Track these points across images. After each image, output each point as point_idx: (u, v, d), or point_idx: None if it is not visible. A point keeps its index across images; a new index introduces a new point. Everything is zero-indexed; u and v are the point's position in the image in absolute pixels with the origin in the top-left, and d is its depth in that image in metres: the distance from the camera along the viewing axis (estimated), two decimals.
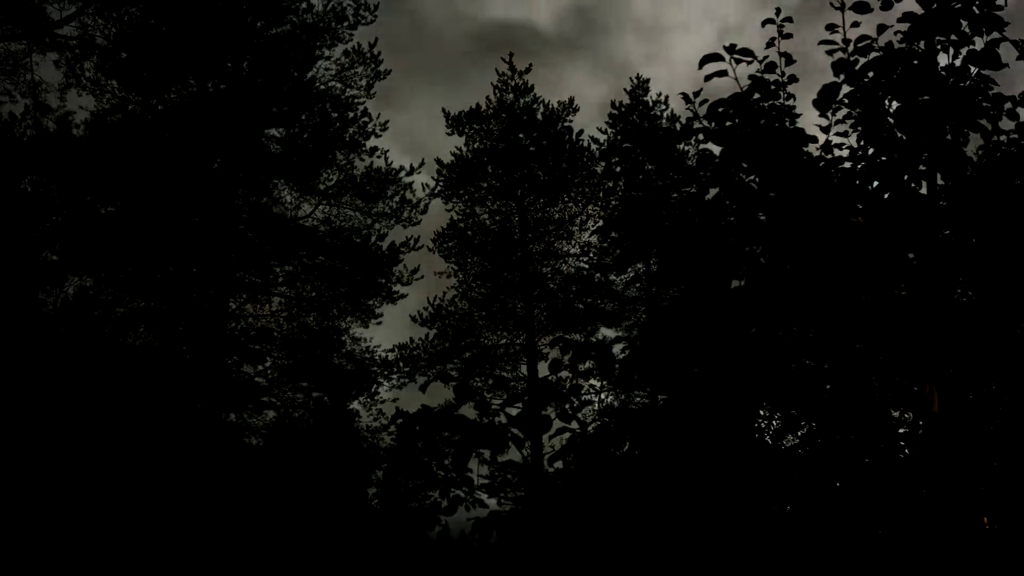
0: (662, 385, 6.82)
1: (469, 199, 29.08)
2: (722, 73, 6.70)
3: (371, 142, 22.80)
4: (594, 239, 28.52)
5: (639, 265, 26.59)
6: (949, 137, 6.35)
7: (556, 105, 29.21)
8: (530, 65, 29.58)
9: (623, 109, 29.40)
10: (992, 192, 6.26)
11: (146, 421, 17.45)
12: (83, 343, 18.12)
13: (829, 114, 6.71)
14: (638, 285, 27.49)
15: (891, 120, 6.42)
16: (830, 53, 6.65)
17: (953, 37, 6.32)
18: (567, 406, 5.96)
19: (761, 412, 6.50)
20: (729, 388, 6.31)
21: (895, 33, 6.52)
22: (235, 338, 21.16)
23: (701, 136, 6.70)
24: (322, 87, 22.30)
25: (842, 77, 6.59)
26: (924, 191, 6.42)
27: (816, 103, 6.69)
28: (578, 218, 28.93)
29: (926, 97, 6.31)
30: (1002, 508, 6.02)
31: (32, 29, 20.15)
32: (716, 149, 6.70)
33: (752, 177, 6.62)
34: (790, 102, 6.74)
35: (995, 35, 6.36)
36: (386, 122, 22.84)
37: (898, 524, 5.94)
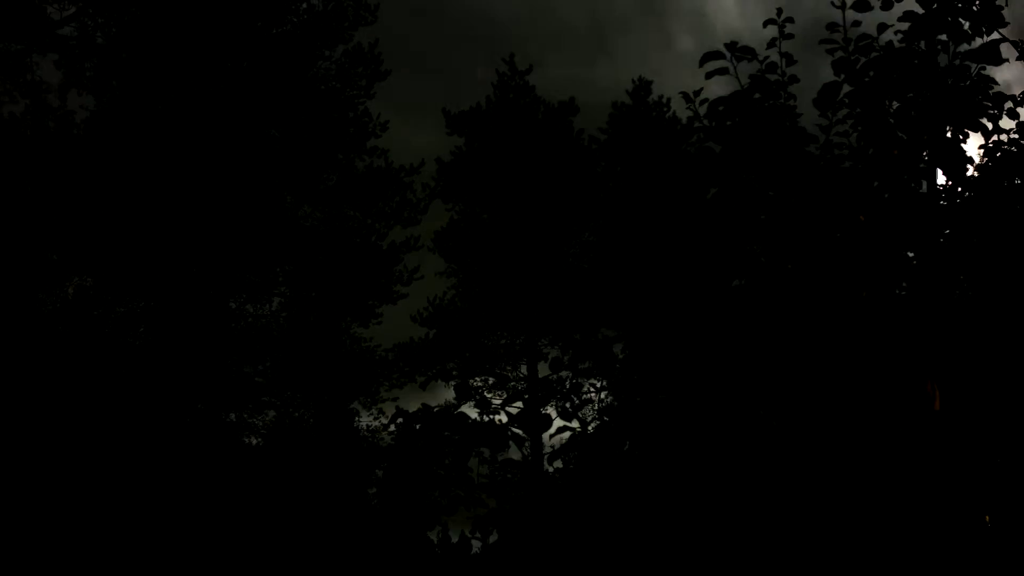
0: (662, 385, 6.83)
1: (469, 199, 29.08)
2: (723, 71, 6.71)
3: (371, 142, 22.81)
4: (594, 239, 28.53)
5: (639, 264, 26.59)
6: (949, 136, 6.36)
7: (556, 105, 29.24)
8: (530, 66, 29.64)
9: (624, 109, 29.40)
10: (992, 191, 6.26)
11: (146, 421, 17.44)
12: (83, 343, 18.11)
13: (829, 114, 6.72)
14: (639, 284, 27.48)
15: (892, 120, 6.42)
16: (831, 52, 6.65)
17: (952, 34, 6.32)
18: (567, 405, 5.96)
19: (761, 412, 6.50)
20: (729, 388, 6.31)
21: (895, 32, 6.52)
22: (235, 338, 21.15)
23: (701, 135, 6.70)
24: (322, 87, 22.28)
25: (843, 76, 6.59)
26: (924, 190, 6.43)
27: (816, 103, 6.70)
28: (578, 218, 28.93)
29: (927, 96, 6.31)
30: (1003, 507, 6.02)
31: (32, 29, 20.14)
32: (716, 148, 6.70)
33: (752, 177, 6.62)
34: (790, 102, 6.74)
35: (995, 35, 6.36)
36: (386, 122, 22.84)
37: (899, 523, 5.94)
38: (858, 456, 6.08)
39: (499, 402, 5.93)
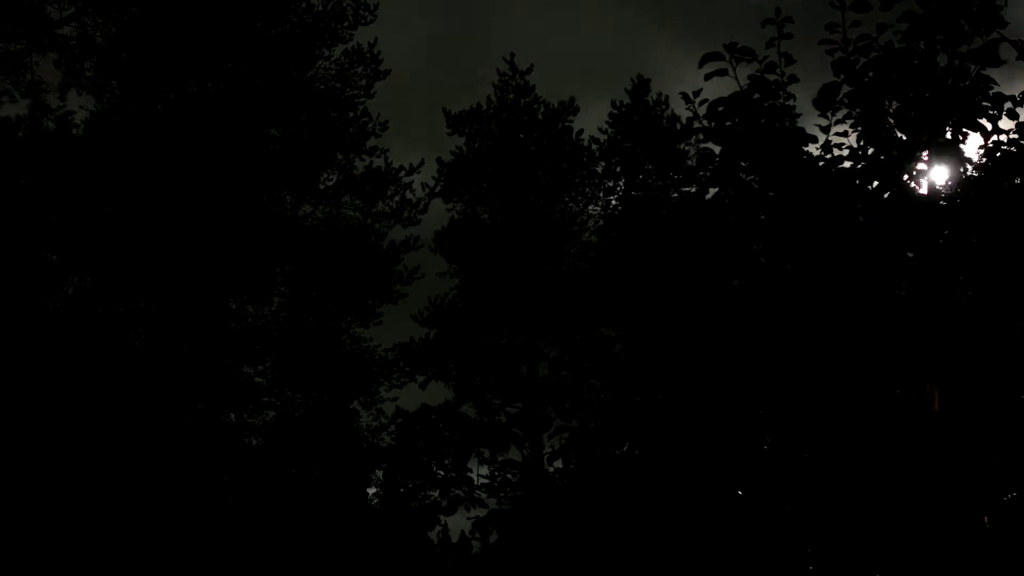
0: (662, 385, 6.83)
1: (469, 199, 29.08)
2: (722, 72, 6.71)
3: (371, 142, 22.80)
4: (594, 239, 28.51)
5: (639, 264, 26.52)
6: (949, 136, 6.36)
7: (556, 105, 29.23)
8: (531, 65, 29.59)
9: (624, 109, 29.37)
10: (991, 192, 6.26)
11: (146, 421, 17.44)
12: (83, 343, 18.11)
13: (829, 114, 6.72)
14: (638, 284, 27.42)
15: (891, 120, 6.43)
16: (830, 53, 6.65)
17: (952, 36, 6.32)
18: (567, 405, 5.96)
19: (760, 412, 6.50)
20: (728, 388, 6.32)
21: (895, 33, 6.53)
22: (235, 338, 21.15)
23: (701, 136, 6.71)
24: (322, 87, 22.28)
25: (842, 77, 6.59)
26: (924, 191, 6.43)
27: (816, 103, 6.70)
28: (578, 218, 28.94)
29: (926, 97, 6.32)
30: (1002, 508, 6.02)
31: (32, 29, 20.14)
32: (716, 149, 6.71)
33: (752, 177, 6.62)
34: (790, 102, 6.75)
35: (995, 35, 6.37)
36: (386, 122, 22.83)
37: (898, 523, 5.94)
38: (858, 456, 6.08)
39: (499, 402, 5.94)
